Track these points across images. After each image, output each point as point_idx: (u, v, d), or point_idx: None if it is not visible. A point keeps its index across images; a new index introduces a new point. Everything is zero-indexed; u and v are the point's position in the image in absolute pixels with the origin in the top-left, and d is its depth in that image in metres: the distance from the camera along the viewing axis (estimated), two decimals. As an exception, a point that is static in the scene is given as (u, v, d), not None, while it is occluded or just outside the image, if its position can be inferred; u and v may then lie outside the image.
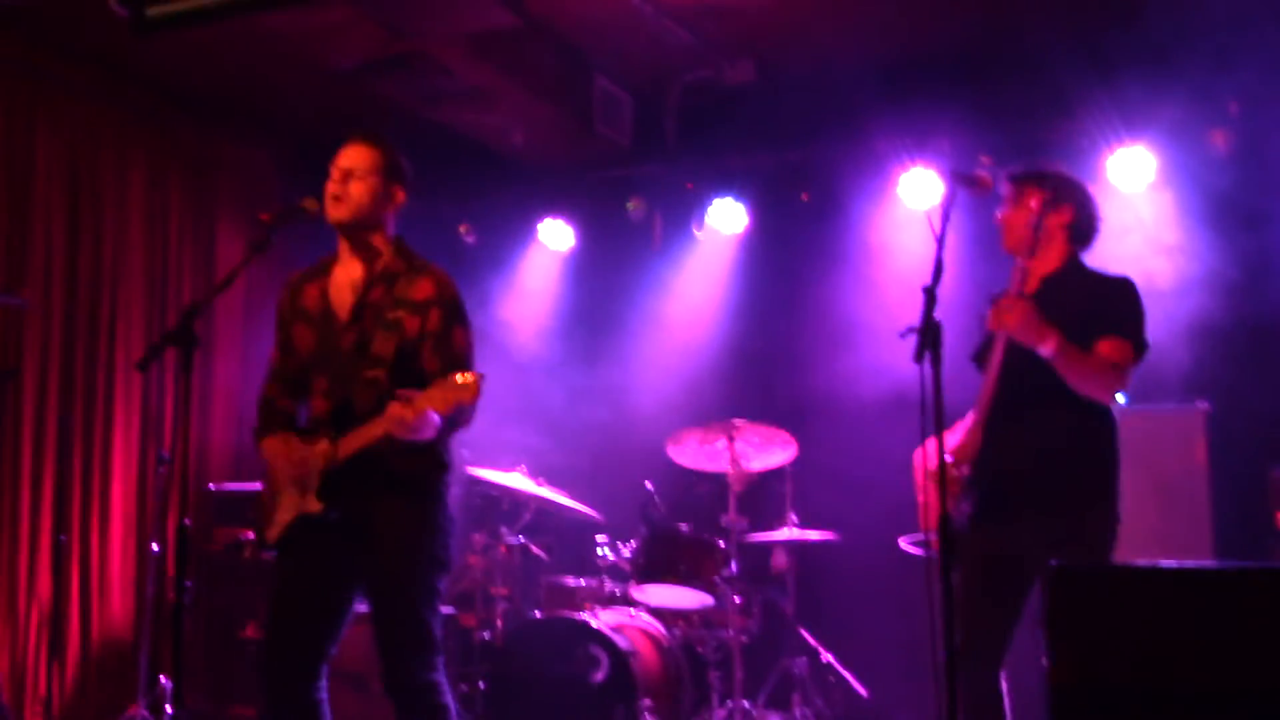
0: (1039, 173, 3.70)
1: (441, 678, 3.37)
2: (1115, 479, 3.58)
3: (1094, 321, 3.50)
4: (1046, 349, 3.42)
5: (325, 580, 3.41)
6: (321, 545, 3.39)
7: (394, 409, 3.20)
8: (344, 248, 3.53)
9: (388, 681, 3.36)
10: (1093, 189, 3.79)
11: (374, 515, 3.36)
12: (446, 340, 3.42)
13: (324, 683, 3.41)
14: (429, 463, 3.43)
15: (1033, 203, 3.60)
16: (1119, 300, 3.57)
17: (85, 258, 6.23)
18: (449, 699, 3.38)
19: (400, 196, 3.53)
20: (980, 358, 3.84)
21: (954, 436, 3.63)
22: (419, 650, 3.34)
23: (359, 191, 3.43)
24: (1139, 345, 3.55)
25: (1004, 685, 3.52)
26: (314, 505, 3.35)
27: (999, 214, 3.73)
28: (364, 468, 3.34)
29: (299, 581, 3.42)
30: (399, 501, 3.38)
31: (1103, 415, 3.60)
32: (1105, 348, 3.51)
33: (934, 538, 3.72)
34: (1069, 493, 3.51)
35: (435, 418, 3.25)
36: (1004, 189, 3.71)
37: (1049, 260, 3.67)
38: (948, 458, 3.62)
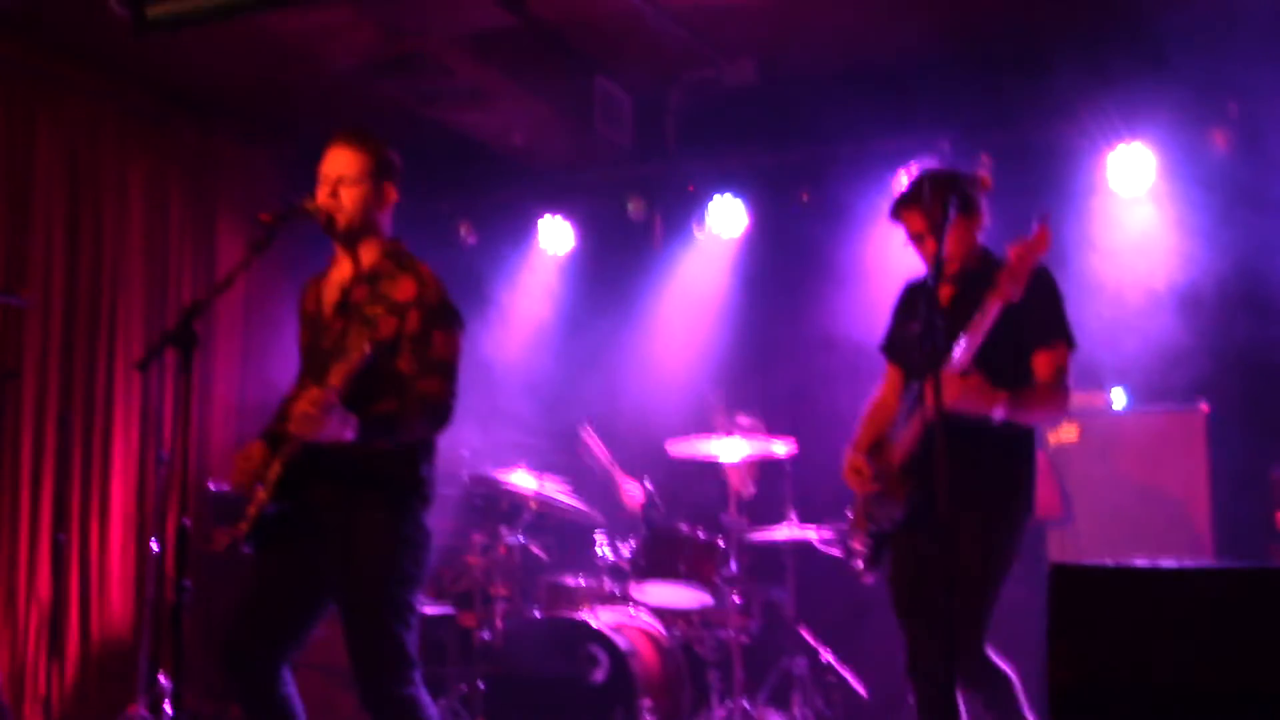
0: (943, 189, 3.57)
1: (418, 691, 3.33)
2: (1034, 488, 3.62)
3: (1022, 325, 3.46)
4: (998, 414, 3.42)
5: (295, 581, 3.39)
6: (297, 549, 3.37)
7: (296, 407, 3.16)
8: (338, 249, 3.52)
9: (363, 697, 3.32)
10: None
11: (347, 530, 3.32)
12: (425, 344, 3.34)
13: (288, 678, 3.39)
14: (403, 475, 3.39)
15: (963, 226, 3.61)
16: (1042, 299, 3.52)
17: (85, 258, 6.23)
18: (428, 712, 3.34)
19: (392, 194, 3.50)
20: (894, 351, 3.88)
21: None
22: (392, 666, 3.30)
23: (351, 200, 3.41)
24: (1071, 343, 3.56)
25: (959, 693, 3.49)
26: (263, 496, 3.30)
27: (923, 246, 3.65)
28: (326, 469, 3.32)
29: (268, 580, 3.40)
30: (371, 517, 3.33)
31: (1032, 431, 3.64)
32: (1044, 363, 3.52)
33: (858, 541, 3.74)
34: (995, 504, 3.52)
35: (348, 417, 3.15)
36: (913, 220, 3.65)
37: (959, 253, 3.65)
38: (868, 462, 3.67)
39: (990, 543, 3.48)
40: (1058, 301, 3.56)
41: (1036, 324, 3.51)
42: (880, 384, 3.95)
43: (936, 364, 3.20)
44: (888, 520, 3.65)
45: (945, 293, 3.64)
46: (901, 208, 3.67)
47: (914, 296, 3.85)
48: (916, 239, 3.66)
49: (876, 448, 3.71)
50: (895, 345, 3.91)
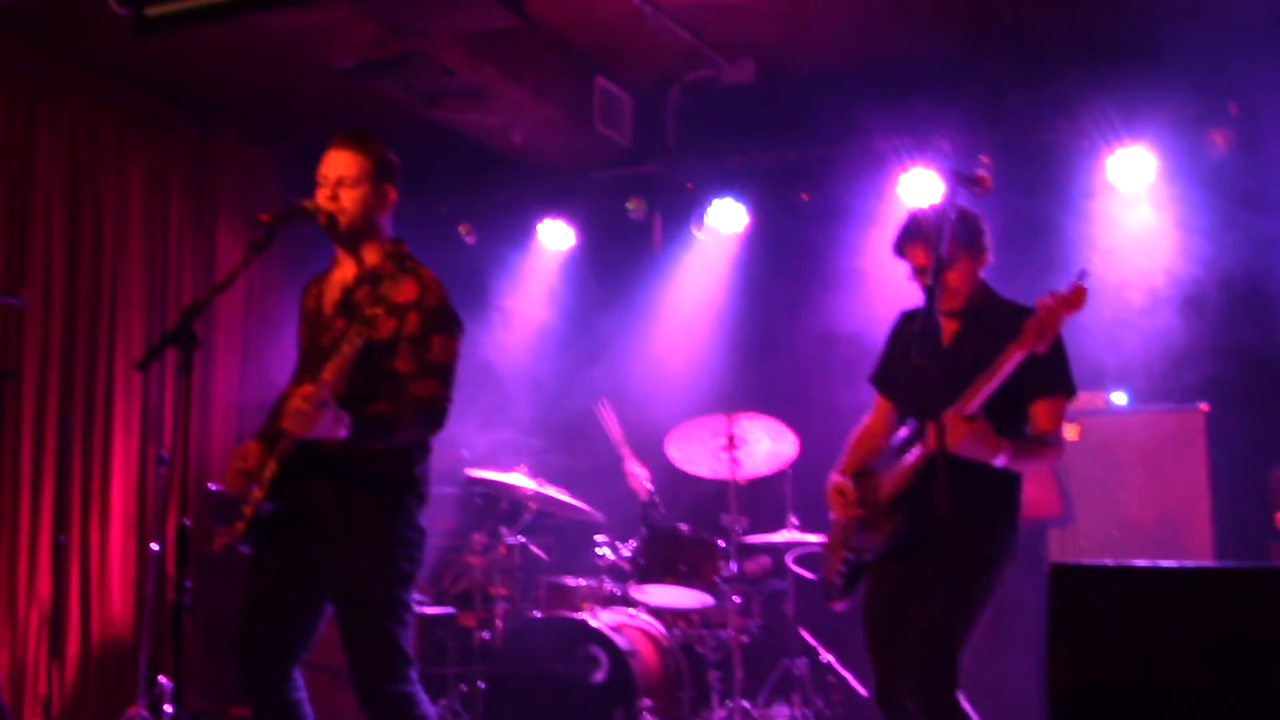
0: (953, 225, 3.44)
1: (414, 689, 3.33)
2: (1017, 529, 3.60)
3: (1028, 373, 3.42)
4: (999, 462, 3.40)
5: (294, 582, 3.39)
6: (293, 547, 3.37)
7: (290, 403, 3.16)
8: (340, 249, 3.53)
9: (359, 695, 3.32)
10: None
11: (342, 528, 3.32)
12: (424, 346, 3.35)
13: (299, 682, 3.39)
14: (398, 474, 3.39)
15: (967, 263, 3.57)
16: (1050, 347, 3.45)
17: (85, 258, 6.23)
18: (425, 710, 3.34)
19: (393, 195, 3.50)
20: (885, 384, 3.84)
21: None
22: (388, 664, 3.30)
23: (351, 201, 3.41)
24: (1071, 393, 3.54)
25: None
26: (258, 495, 3.31)
27: (926, 281, 3.52)
28: (322, 467, 3.32)
29: (269, 583, 3.40)
30: (367, 515, 3.33)
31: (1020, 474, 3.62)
32: (1043, 414, 3.50)
33: (832, 569, 3.70)
34: (977, 540, 3.49)
35: (341, 414, 3.15)
36: (917, 254, 3.59)
37: (964, 289, 3.61)
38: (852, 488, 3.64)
39: (971, 579, 3.45)
40: (1063, 351, 3.53)
41: (1042, 373, 3.48)
42: (869, 413, 3.92)
43: (938, 386, 3.18)
44: (868, 549, 3.62)
45: (949, 328, 3.63)
46: (905, 242, 3.63)
47: (909, 326, 3.81)
48: (920, 274, 3.61)
49: (861, 475, 3.69)
50: (887, 378, 3.86)
